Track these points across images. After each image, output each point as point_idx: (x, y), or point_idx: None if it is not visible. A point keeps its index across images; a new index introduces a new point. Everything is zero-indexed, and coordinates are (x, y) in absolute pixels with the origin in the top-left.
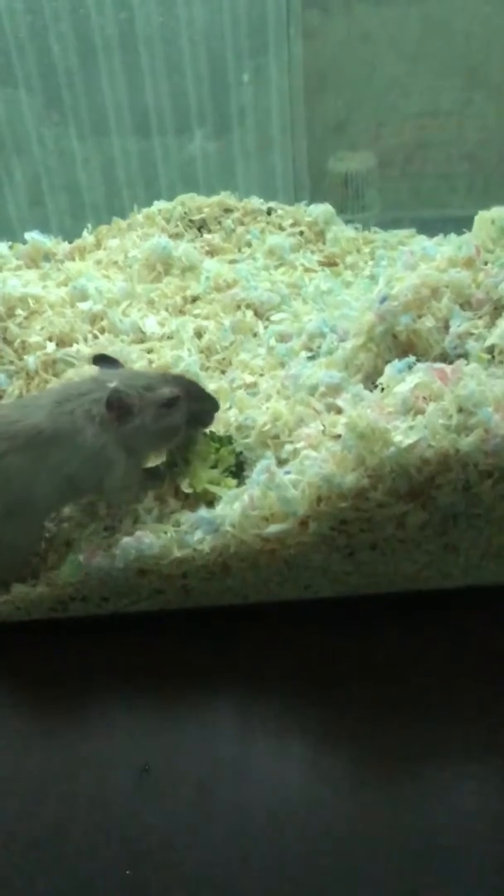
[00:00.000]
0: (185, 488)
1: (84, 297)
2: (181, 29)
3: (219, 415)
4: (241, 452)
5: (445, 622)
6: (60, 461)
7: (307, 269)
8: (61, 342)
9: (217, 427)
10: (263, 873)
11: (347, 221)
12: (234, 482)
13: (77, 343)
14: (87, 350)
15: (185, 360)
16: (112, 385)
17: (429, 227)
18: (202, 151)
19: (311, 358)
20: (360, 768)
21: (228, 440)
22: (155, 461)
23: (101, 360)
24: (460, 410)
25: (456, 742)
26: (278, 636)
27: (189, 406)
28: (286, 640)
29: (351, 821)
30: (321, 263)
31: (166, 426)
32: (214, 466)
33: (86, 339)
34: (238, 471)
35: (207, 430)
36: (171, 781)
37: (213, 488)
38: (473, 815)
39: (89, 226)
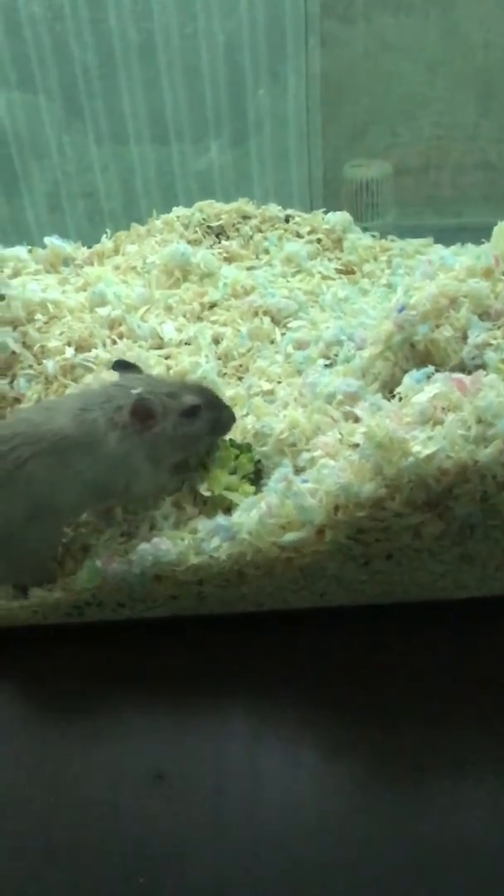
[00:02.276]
0: (203, 492)
1: (103, 302)
2: (200, 38)
3: (236, 421)
4: (259, 460)
5: (460, 632)
6: (84, 467)
7: (324, 277)
8: (80, 347)
9: (234, 434)
10: (275, 882)
11: (364, 229)
12: (251, 488)
13: (95, 348)
14: (105, 355)
15: (203, 366)
16: (136, 392)
17: (444, 236)
18: (219, 159)
19: (328, 366)
20: (373, 777)
21: (248, 448)
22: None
23: (122, 365)
24: (479, 421)
25: (469, 752)
26: (292, 644)
27: (209, 415)
28: (300, 648)
29: (363, 830)
30: (338, 271)
31: (187, 434)
32: (233, 473)
33: (104, 345)
34: (256, 478)
35: (227, 437)
36: (184, 788)
37: (230, 495)
38: (486, 825)
39: (108, 231)
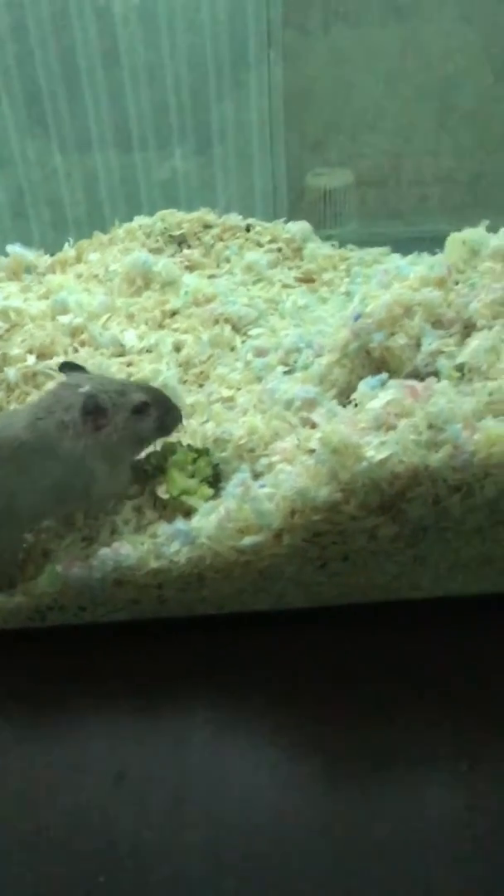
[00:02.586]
0: (162, 494)
1: (65, 310)
2: (163, 46)
3: (197, 428)
4: (217, 464)
5: (416, 632)
6: (42, 472)
7: (285, 285)
8: (42, 355)
9: (194, 440)
10: (237, 879)
11: (325, 238)
12: (210, 491)
13: (57, 356)
14: None
15: (164, 373)
16: (84, 390)
17: (403, 244)
18: (183, 168)
19: (287, 373)
20: (333, 775)
21: (206, 451)
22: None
23: (68, 367)
24: (430, 427)
25: (427, 749)
26: (252, 645)
27: (157, 413)
28: (260, 650)
29: (323, 827)
30: (298, 280)
31: (138, 432)
32: (192, 476)
33: (66, 353)
34: (215, 482)
35: (186, 443)
36: (146, 788)
37: (188, 499)
38: (440, 817)
39: (70, 240)
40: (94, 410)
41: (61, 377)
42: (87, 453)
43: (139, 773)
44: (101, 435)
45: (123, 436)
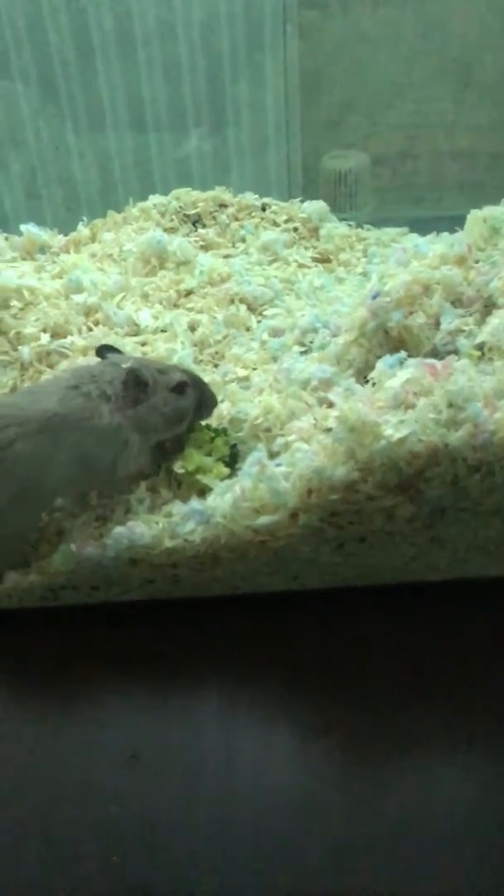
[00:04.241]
0: (177, 469)
1: (79, 289)
2: (178, 25)
3: (217, 404)
4: (235, 444)
5: (433, 613)
6: (74, 443)
7: (301, 265)
8: (56, 334)
9: (210, 420)
10: (249, 858)
11: (341, 219)
12: (226, 470)
13: (71, 335)
14: (81, 342)
15: (179, 353)
16: (127, 365)
17: (420, 227)
18: (197, 148)
19: (303, 353)
20: (346, 757)
21: (223, 432)
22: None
23: (107, 349)
24: (450, 405)
25: (440, 730)
26: (267, 626)
27: (195, 394)
28: (274, 630)
29: (336, 808)
30: (314, 260)
31: (176, 410)
32: (209, 455)
33: (80, 332)
34: (232, 462)
35: (203, 422)
36: (159, 768)
37: (204, 478)
38: (457, 801)
39: (84, 219)
40: (135, 384)
41: (76, 356)
42: (124, 425)
43: (152, 752)
44: (141, 409)
45: (162, 412)
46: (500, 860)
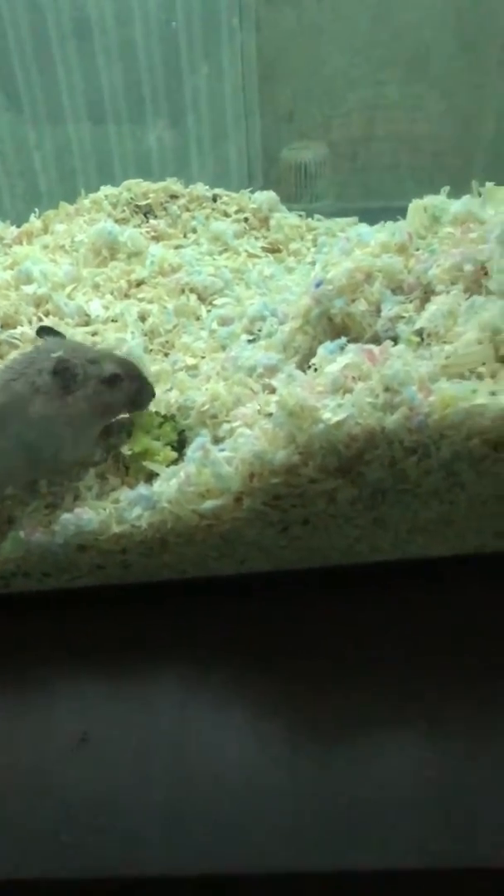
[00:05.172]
0: (125, 451)
1: (29, 280)
2: (135, 17)
3: (160, 396)
4: (183, 431)
5: (379, 593)
6: (15, 433)
7: (251, 255)
8: (5, 324)
9: (158, 408)
10: (200, 835)
11: (301, 211)
12: (173, 454)
13: (21, 325)
14: (31, 333)
15: (129, 342)
16: (57, 355)
17: (377, 217)
18: (156, 140)
19: (251, 341)
20: (299, 736)
21: (172, 418)
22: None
23: (46, 331)
24: (386, 389)
25: (385, 709)
26: (219, 610)
27: (129, 387)
28: (227, 614)
29: (288, 787)
30: (265, 249)
31: (107, 402)
32: (157, 440)
33: (30, 322)
34: (179, 447)
35: (152, 410)
36: (111, 749)
37: (150, 464)
38: (401, 778)
39: (37, 210)
40: (64, 375)
41: (26, 347)
42: (55, 417)
43: (103, 735)
44: (70, 400)
45: (92, 404)
46: (451, 833)
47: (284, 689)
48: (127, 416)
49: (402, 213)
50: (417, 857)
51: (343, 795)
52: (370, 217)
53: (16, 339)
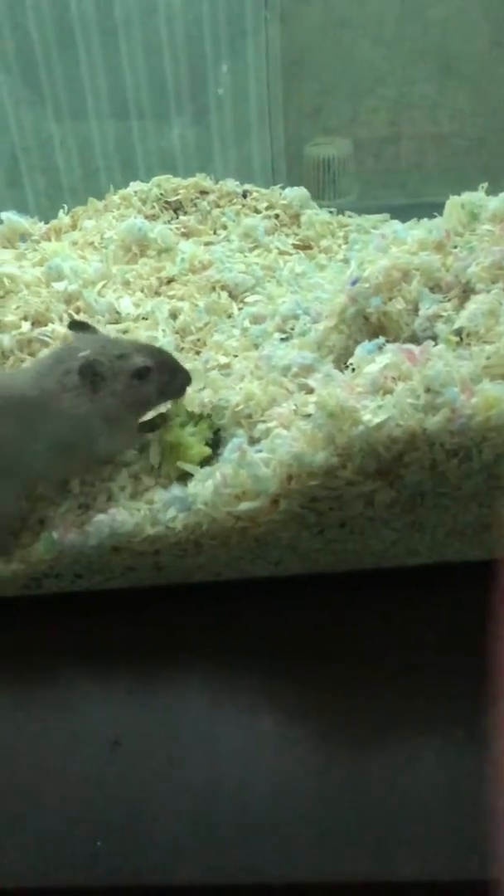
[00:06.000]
0: (152, 438)
1: (59, 276)
2: (160, 13)
3: (193, 395)
4: (219, 430)
5: (413, 598)
6: (47, 428)
7: (282, 252)
8: (37, 322)
9: (192, 407)
10: (232, 842)
11: (324, 207)
12: (208, 450)
13: (52, 323)
14: (62, 330)
15: (160, 340)
16: (84, 354)
17: (403, 214)
18: (180, 135)
19: (284, 339)
20: (328, 740)
21: (209, 417)
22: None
23: (77, 325)
24: (427, 390)
25: (420, 714)
26: (250, 613)
27: (161, 377)
28: (258, 617)
29: (317, 791)
30: (296, 246)
31: (137, 396)
32: (193, 436)
33: (61, 319)
34: (214, 446)
35: (188, 409)
36: (142, 755)
37: (184, 465)
38: (435, 784)
39: (65, 206)
40: (90, 375)
41: (57, 343)
42: (87, 414)
43: (135, 739)
44: (100, 397)
45: (123, 400)
46: (481, 842)
47: (313, 694)
48: (168, 406)
49: (426, 210)
50: (455, 869)
51: (375, 803)
52: (397, 212)
53: (47, 336)
